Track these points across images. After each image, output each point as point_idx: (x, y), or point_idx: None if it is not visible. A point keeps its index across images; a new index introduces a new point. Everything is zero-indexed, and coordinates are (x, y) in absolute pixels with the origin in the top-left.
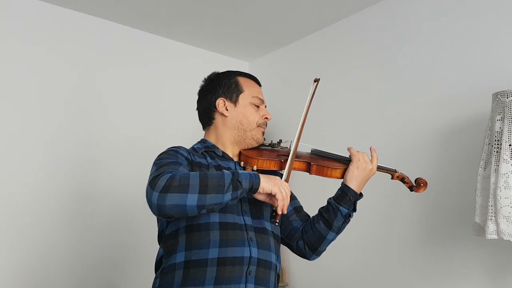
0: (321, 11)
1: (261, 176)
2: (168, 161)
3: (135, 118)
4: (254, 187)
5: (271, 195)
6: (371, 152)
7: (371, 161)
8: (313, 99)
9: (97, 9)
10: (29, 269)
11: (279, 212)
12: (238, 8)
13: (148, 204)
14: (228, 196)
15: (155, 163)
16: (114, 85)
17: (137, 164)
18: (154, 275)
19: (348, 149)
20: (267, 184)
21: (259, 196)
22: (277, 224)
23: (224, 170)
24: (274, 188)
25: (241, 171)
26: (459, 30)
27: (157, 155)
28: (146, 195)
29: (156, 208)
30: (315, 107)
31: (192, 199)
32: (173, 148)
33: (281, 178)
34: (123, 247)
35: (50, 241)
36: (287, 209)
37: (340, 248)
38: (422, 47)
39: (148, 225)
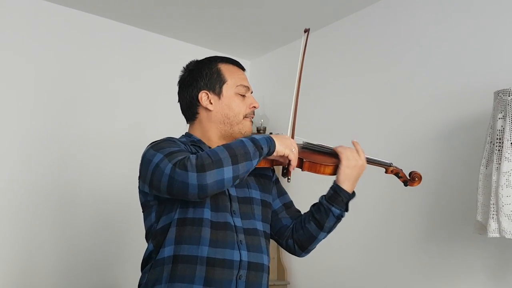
0: (322, 10)
1: (275, 138)
2: (175, 149)
3: (133, 116)
4: (271, 150)
5: (283, 156)
6: (354, 146)
7: (359, 155)
8: (305, 51)
9: (97, 8)
10: (15, 273)
11: (291, 169)
12: (239, 7)
13: (179, 186)
14: (255, 162)
15: (158, 151)
16: (113, 83)
17: (122, 163)
18: (140, 273)
19: (334, 149)
20: (281, 146)
21: (274, 157)
22: (289, 180)
23: (242, 138)
24: (286, 150)
25: (256, 136)
26: (461, 28)
27: (152, 144)
28: (173, 178)
29: (197, 188)
30: (316, 105)
31: (228, 171)
32: (169, 138)
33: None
34: (111, 245)
35: (36, 242)
36: (276, 206)
37: (341, 246)
38: (423, 45)
39: (136, 222)
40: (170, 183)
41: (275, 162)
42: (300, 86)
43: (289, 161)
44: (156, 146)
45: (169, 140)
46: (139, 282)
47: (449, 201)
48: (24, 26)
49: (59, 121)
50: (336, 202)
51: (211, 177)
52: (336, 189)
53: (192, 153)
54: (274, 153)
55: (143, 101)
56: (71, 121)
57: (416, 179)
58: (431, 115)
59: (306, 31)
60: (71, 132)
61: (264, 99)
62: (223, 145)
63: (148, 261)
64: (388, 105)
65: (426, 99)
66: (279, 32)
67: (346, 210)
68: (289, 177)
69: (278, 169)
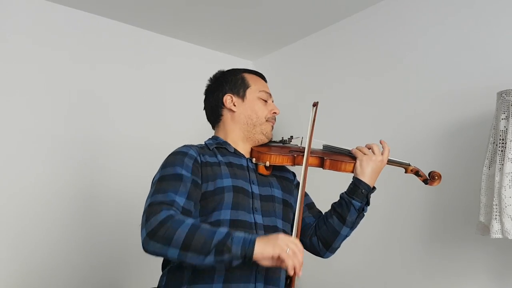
0: (325, 10)
1: (258, 240)
2: (171, 174)
3: (139, 117)
4: (248, 254)
5: (277, 258)
6: (382, 144)
7: (382, 152)
8: (315, 123)
9: (102, 8)
10: (32, 269)
11: (291, 273)
12: (241, 7)
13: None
14: (209, 259)
15: (159, 171)
16: (118, 84)
17: (141, 163)
18: (160, 273)
19: (352, 151)
20: (266, 247)
21: (264, 262)
22: None
23: (220, 229)
24: (275, 249)
25: (238, 234)
26: (464, 28)
27: (167, 156)
28: (141, 224)
29: (141, 245)
30: (322, 104)
31: (173, 252)
32: (183, 150)
33: (291, 232)
34: (127, 246)
35: (54, 240)
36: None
37: (344, 247)
38: (425, 46)
39: None
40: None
41: (275, 263)
42: (310, 136)
43: (286, 262)
44: (165, 162)
45: (177, 156)
46: (159, 284)
47: (452, 202)
48: (30, 27)
49: (77, 125)
50: (356, 194)
51: (153, 246)
52: (355, 182)
53: (200, 164)
54: (259, 256)
55: (147, 102)
56: (88, 124)
57: (436, 178)
58: (434, 116)
59: (315, 105)
60: (89, 135)
61: None
62: (194, 225)
63: (168, 263)
64: (391, 106)
65: (428, 100)
66: (282, 33)
67: (367, 203)
68: (292, 287)
69: (298, 172)
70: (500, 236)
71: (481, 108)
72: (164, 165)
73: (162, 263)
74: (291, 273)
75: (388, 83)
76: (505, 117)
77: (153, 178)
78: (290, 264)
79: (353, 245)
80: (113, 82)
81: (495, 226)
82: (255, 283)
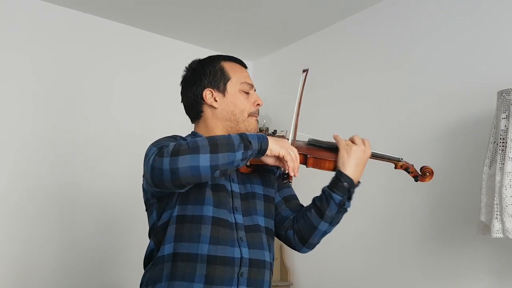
0: (325, 10)
1: (269, 138)
2: (165, 138)
3: (139, 117)
4: (263, 148)
5: (279, 158)
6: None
7: (363, 142)
8: (303, 90)
9: (102, 8)
10: (18, 272)
11: (291, 174)
12: (241, 8)
13: (157, 174)
14: (239, 154)
15: (153, 145)
16: (118, 84)
17: (127, 162)
18: (142, 272)
19: (334, 137)
20: (275, 145)
21: (268, 160)
22: (290, 183)
23: (230, 133)
24: (282, 150)
25: (249, 133)
26: (464, 28)
27: (153, 142)
28: (153, 167)
29: (170, 173)
30: (319, 105)
31: (204, 159)
32: (172, 135)
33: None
34: (115, 246)
35: (40, 242)
36: (276, 200)
37: (344, 246)
38: (426, 45)
39: (140, 222)
40: (152, 172)
41: (276, 162)
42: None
43: (288, 163)
44: (155, 142)
45: (170, 137)
46: (141, 281)
47: (453, 201)
48: (25, 27)
49: (60, 122)
50: (337, 187)
51: (184, 161)
52: (337, 174)
53: None
54: (268, 152)
55: (145, 102)
56: (71, 122)
57: (427, 174)
58: (435, 115)
59: (305, 71)
60: (72, 133)
61: (267, 99)
62: (208, 136)
63: (149, 259)
64: (391, 105)
65: (429, 99)
66: (282, 33)
67: (349, 198)
68: (290, 181)
69: None
70: (501, 235)
71: (481, 108)
72: (156, 142)
73: (144, 260)
74: (291, 173)
75: (389, 82)
76: (505, 116)
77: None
78: (291, 165)
79: (353, 244)
80: (113, 82)
81: (496, 225)
82: (237, 286)
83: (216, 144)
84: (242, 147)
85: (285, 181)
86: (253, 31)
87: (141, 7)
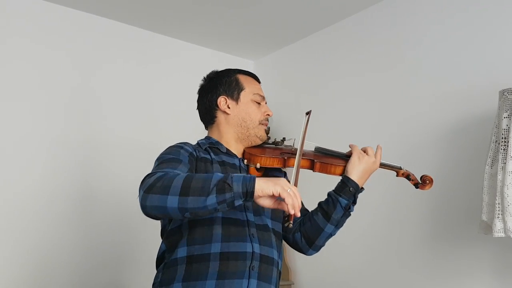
0: (326, 10)
1: (258, 179)
2: (169, 157)
3: (138, 119)
4: (249, 190)
5: (276, 198)
6: (377, 149)
7: (375, 155)
8: (306, 131)
9: (102, 9)
10: (32, 269)
11: (291, 212)
12: (242, 7)
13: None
14: (211, 199)
15: (157, 159)
16: (117, 85)
17: (138, 164)
18: (155, 272)
19: (350, 145)
20: (265, 184)
21: (264, 202)
22: (291, 226)
23: (216, 172)
24: (276, 187)
25: (236, 174)
26: (465, 27)
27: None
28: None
29: (140, 207)
30: (319, 106)
31: (172, 201)
32: (178, 144)
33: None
34: (125, 245)
35: (53, 241)
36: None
37: (345, 247)
38: (427, 45)
39: (149, 223)
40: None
41: (274, 205)
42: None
43: (286, 200)
44: (162, 152)
45: (173, 147)
46: (154, 280)
47: (454, 201)
48: (37, 31)
49: (77, 126)
50: (344, 192)
51: (151, 200)
52: (344, 179)
53: (196, 158)
54: (259, 193)
55: (155, 103)
56: (87, 124)
57: (427, 182)
58: (436, 115)
59: (308, 113)
60: (88, 135)
61: (268, 99)
62: (190, 174)
63: (161, 260)
64: (392, 105)
65: (430, 99)
66: (283, 32)
67: (354, 202)
68: (291, 222)
69: (289, 172)
70: (502, 235)
71: (483, 107)
72: (161, 154)
73: (156, 260)
74: (291, 212)
75: (389, 82)
76: (507, 116)
77: None
78: (290, 202)
79: (353, 244)
80: (113, 83)
81: (498, 225)
82: (248, 279)
83: (188, 186)
84: (214, 191)
85: (286, 224)
86: (254, 30)
87: (141, 7)
